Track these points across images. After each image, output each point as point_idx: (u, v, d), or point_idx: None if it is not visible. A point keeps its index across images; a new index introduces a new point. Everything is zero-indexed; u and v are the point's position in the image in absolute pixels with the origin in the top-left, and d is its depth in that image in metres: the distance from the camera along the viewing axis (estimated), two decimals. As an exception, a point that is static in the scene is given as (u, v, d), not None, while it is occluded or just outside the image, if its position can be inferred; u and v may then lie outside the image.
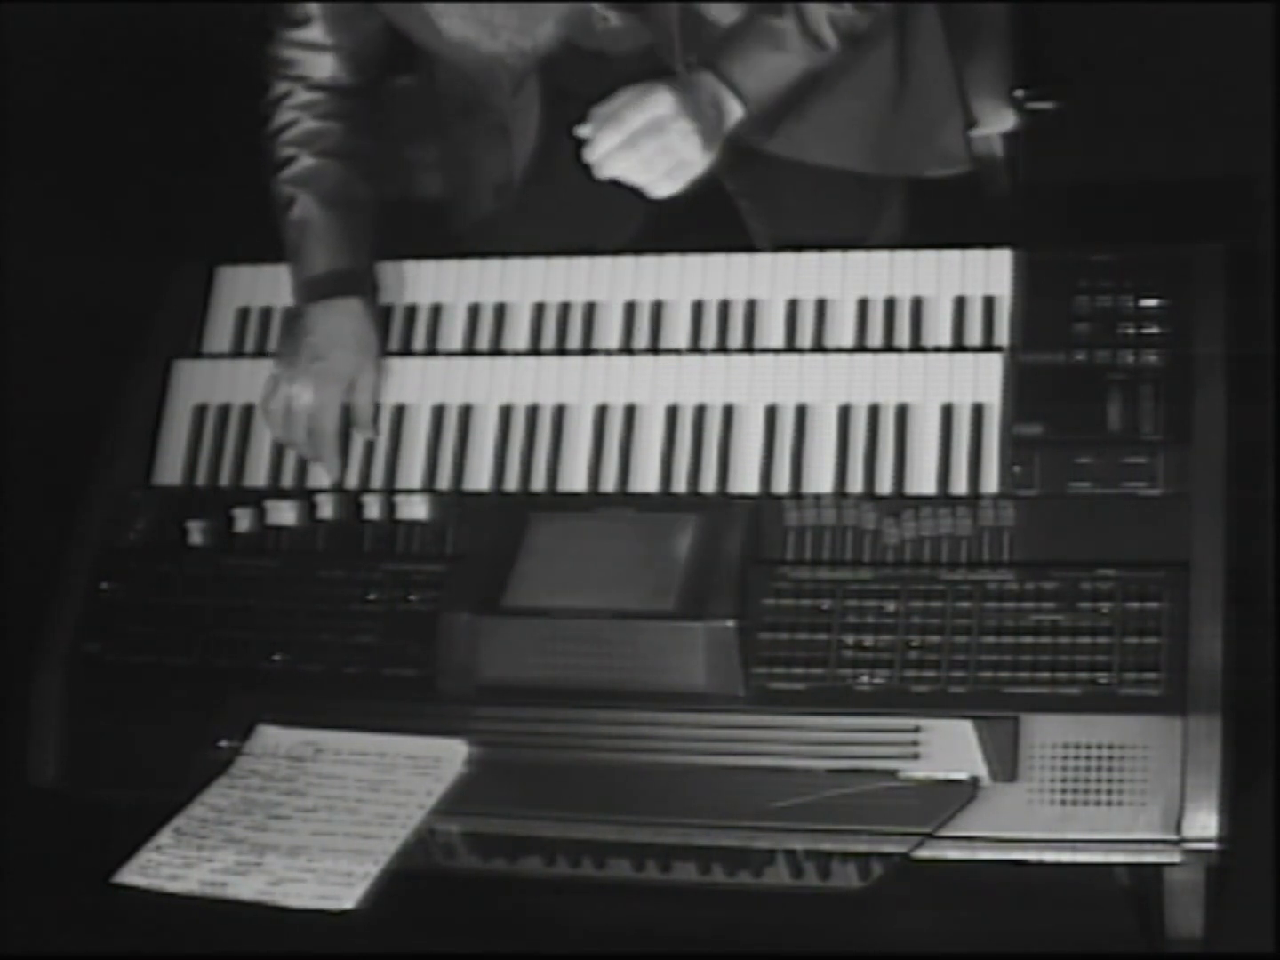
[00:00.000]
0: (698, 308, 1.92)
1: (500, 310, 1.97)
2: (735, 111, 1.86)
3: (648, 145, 1.79)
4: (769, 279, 1.92)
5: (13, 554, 2.35)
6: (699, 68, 1.88)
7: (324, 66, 1.99)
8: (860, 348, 1.87)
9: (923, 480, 1.78)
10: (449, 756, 1.70)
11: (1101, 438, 1.76)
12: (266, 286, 2.03)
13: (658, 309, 1.93)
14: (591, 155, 1.80)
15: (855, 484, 1.79)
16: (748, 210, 2.15)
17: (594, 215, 2.17)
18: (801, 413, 1.83)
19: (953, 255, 1.89)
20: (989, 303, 1.86)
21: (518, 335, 1.96)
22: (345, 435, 1.91)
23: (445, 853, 1.70)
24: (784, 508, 1.77)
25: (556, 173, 2.11)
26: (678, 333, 1.92)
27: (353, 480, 1.90)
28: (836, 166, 2.06)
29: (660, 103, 1.80)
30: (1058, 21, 2.78)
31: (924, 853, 1.61)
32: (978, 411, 1.80)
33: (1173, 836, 1.58)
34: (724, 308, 1.92)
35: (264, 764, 1.73)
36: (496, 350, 1.95)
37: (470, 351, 1.96)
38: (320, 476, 1.91)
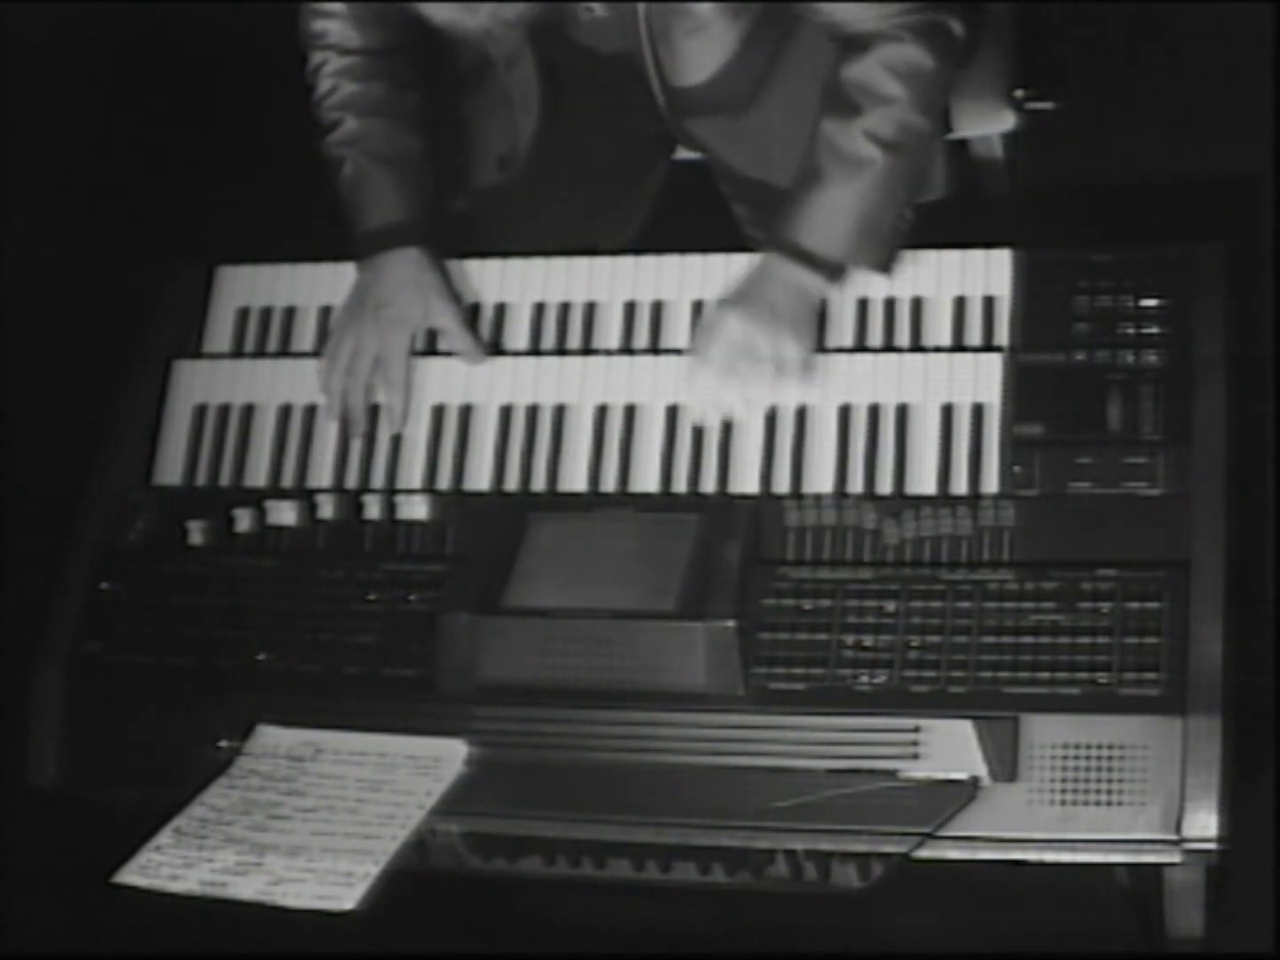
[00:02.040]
0: (698, 308, 1.92)
1: (500, 310, 1.97)
2: (815, 282, 1.83)
3: (741, 371, 1.81)
4: (769, 279, 1.92)
5: (13, 554, 2.35)
6: (767, 251, 1.85)
7: (349, 32, 2.00)
8: (860, 348, 1.87)
9: (923, 480, 1.78)
10: (449, 756, 1.70)
11: (1101, 438, 1.75)
12: (266, 286, 2.03)
13: (658, 309, 1.93)
14: (702, 407, 1.83)
15: (855, 484, 1.79)
16: (742, 217, 2.15)
17: (597, 204, 2.17)
18: (801, 413, 1.83)
19: (953, 255, 1.89)
20: (989, 303, 1.86)
21: (518, 335, 1.96)
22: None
23: (445, 853, 1.70)
24: (784, 508, 1.77)
25: (559, 160, 2.11)
26: (678, 333, 1.92)
27: (352, 480, 1.90)
28: None
29: (731, 329, 1.82)
30: (1058, 21, 2.78)
31: (924, 853, 1.61)
32: (978, 411, 1.80)
33: (1173, 836, 1.58)
34: (724, 308, 1.92)
35: (264, 764, 1.73)
36: (497, 350, 1.95)
37: (470, 351, 1.95)
38: (320, 476, 1.91)
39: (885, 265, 1.86)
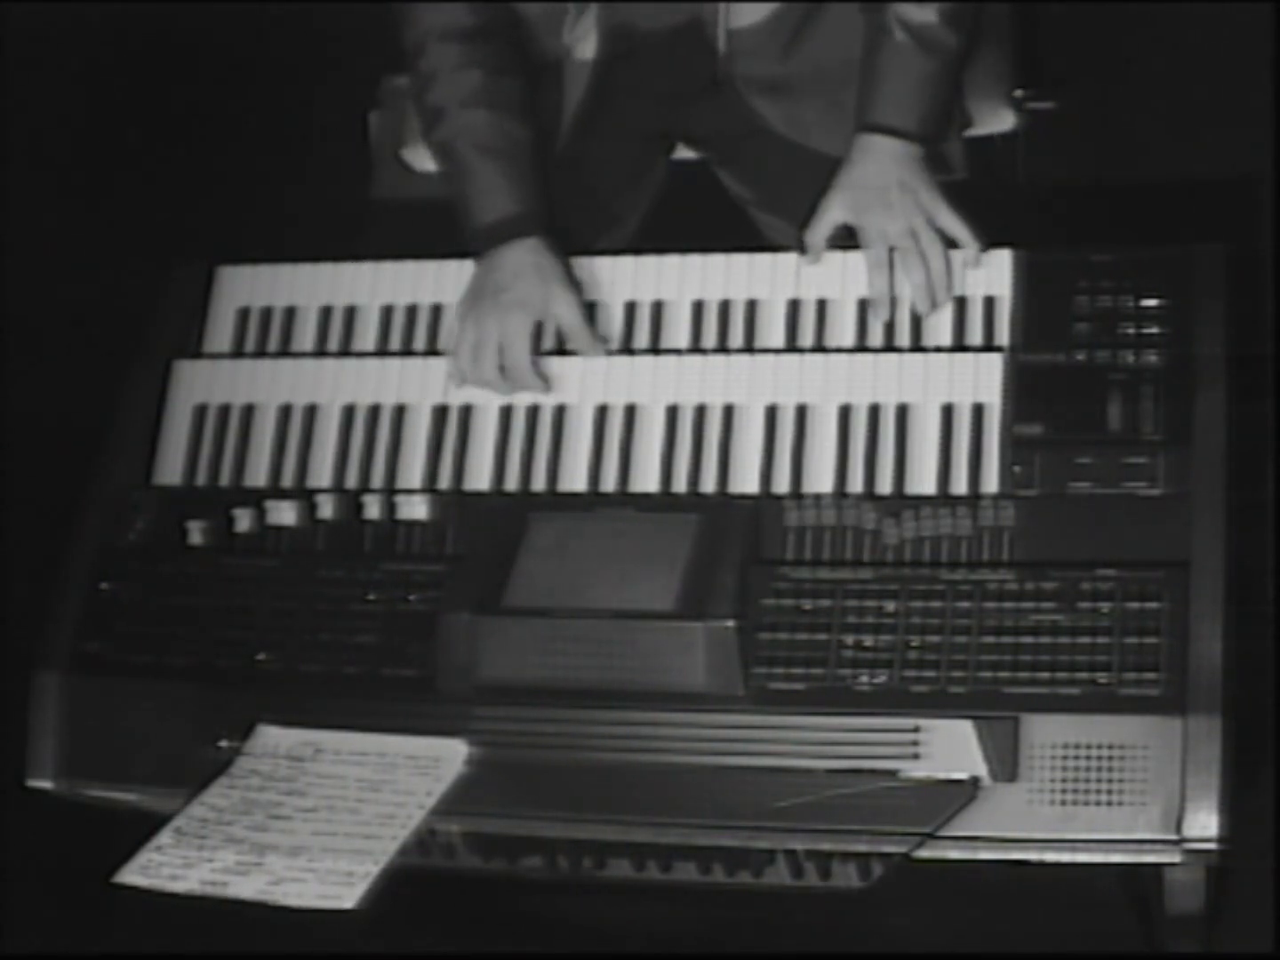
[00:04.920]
0: (698, 308, 1.92)
1: (500, 310, 1.97)
2: (915, 153, 1.92)
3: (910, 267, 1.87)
4: (769, 279, 1.92)
5: (13, 554, 2.35)
6: (865, 134, 1.93)
7: (441, 13, 1.98)
8: (860, 348, 1.87)
9: (923, 480, 1.78)
10: (449, 756, 1.70)
11: (1101, 438, 1.75)
12: (266, 286, 2.02)
13: (658, 309, 1.93)
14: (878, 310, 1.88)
15: (855, 484, 1.79)
16: (725, 177, 2.17)
17: (596, 203, 2.17)
18: (801, 413, 1.83)
19: (953, 255, 1.89)
20: (989, 303, 1.86)
21: (518, 335, 1.96)
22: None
23: (445, 853, 1.70)
24: (784, 508, 1.77)
25: (595, 147, 2.11)
26: (678, 333, 1.92)
27: (352, 480, 1.90)
28: (837, 155, 2.06)
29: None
30: (1058, 21, 2.79)
31: (924, 853, 1.61)
32: (978, 411, 1.80)
33: (1173, 836, 1.58)
34: (724, 308, 1.92)
35: (264, 764, 1.73)
36: (497, 350, 1.95)
37: (470, 351, 1.95)
38: (320, 476, 1.91)
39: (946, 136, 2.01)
